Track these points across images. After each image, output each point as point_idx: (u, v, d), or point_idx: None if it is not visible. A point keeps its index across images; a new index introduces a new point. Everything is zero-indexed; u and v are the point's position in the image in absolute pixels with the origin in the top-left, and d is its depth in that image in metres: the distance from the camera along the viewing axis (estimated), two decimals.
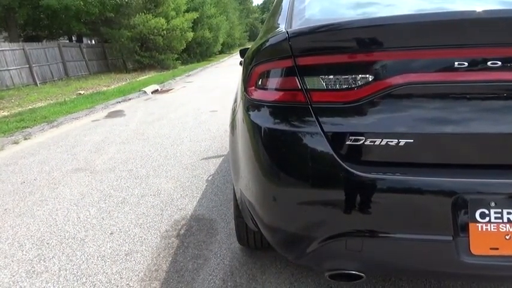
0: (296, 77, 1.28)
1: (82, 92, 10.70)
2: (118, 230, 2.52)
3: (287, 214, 1.32)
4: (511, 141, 1.18)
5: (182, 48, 20.11)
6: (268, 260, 2.02)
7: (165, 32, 17.71)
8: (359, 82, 1.22)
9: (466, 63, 1.15)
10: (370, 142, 1.21)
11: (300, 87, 1.28)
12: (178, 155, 4.25)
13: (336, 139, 1.23)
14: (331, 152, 1.22)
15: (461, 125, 1.18)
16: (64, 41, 17.76)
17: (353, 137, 1.22)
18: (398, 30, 1.20)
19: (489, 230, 1.17)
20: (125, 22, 17.29)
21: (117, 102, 8.87)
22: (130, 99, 9.40)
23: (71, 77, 14.65)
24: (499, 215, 1.17)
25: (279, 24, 1.69)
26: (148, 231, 2.49)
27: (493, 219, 1.17)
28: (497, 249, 1.17)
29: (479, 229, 1.17)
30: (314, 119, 1.25)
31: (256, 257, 2.07)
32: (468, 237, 1.17)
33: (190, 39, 20.61)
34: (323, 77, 1.26)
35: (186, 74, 15.40)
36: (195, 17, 20.89)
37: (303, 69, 1.27)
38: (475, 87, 1.17)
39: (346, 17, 1.53)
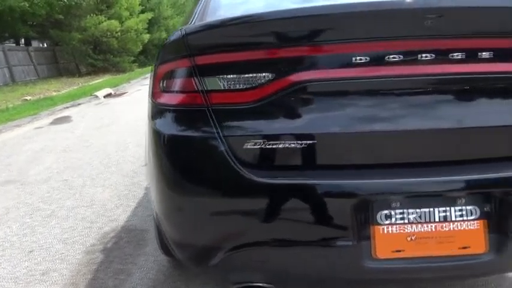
0: (194, 78, 1.19)
1: (28, 98, 10.13)
2: (39, 248, 2.33)
3: (189, 225, 1.23)
4: (412, 140, 1.14)
5: (138, 50, 19.58)
6: (193, 272, 1.92)
7: (119, 34, 17.16)
8: (259, 81, 1.15)
9: (366, 58, 1.10)
10: (270, 145, 1.13)
11: (198, 88, 1.18)
12: (120, 162, 4.05)
13: (235, 143, 1.14)
14: (228, 157, 1.13)
15: (364, 124, 1.13)
16: (10, 44, 16.78)
17: (253, 141, 1.14)
18: (295, 25, 1.14)
19: (393, 232, 1.13)
20: (76, 24, 16.60)
21: (65, 108, 8.45)
22: (80, 104, 9.00)
23: (17, 82, 13.86)
24: (402, 216, 1.13)
25: (188, 21, 1.61)
26: (72, 246, 2.31)
27: (396, 221, 1.13)
28: (401, 251, 1.13)
29: (383, 231, 1.12)
30: (212, 122, 1.16)
31: (182, 268, 1.95)
32: (372, 240, 1.12)
33: (146, 41, 20.11)
34: (222, 76, 1.17)
35: (143, 77, 14.97)
36: (150, 18, 20.36)
37: (201, 68, 1.18)
38: (377, 83, 1.13)
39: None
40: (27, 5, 14.04)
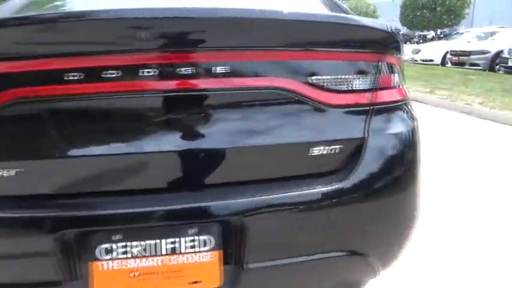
0: None
1: None
2: None
3: None
4: (136, 165, 1.03)
5: None
6: None
7: None
8: None
9: (80, 75, 0.98)
10: None
11: None
12: None
13: None
14: None
15: (78, 148, 1.01)
16: None
17: None
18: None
19: (114, 268, 1.00)
20: None
21: None
22: None
23: None
24: (125, 250, 1.00)
25: None
26: None
27: (118, 255, 1.00)
28: None
29: (102, 268, 1.00)
30: None
31: None
32: (89, 279, 1.00)
33: None
34: None
35: None
36: None
37: None
38: (93, 102, 1.00)
39: None
40: None
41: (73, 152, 1.01)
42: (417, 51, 14.04)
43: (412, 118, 1.26)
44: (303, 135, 1.08)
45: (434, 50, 13.47)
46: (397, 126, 1.19)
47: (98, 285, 1.00)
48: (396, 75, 1.23)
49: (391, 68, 1.21)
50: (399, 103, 1.23)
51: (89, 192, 1.02)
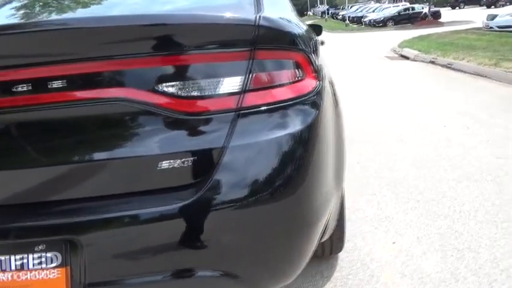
0: None
1: None
2: None
3: None
4: None
5: None
6: None
7: None
8: None
9: None
10: None
11: None
12: None
13: None
14: None
15: None
16: None
17: None
18: None
19: None
20: None
21: None
22: None
23: None
24: None
25: None
26: None
27: None
28: None
29: None
30: None
31: None
32: None
33: None
34: None
35: None
36: None
37: None
38: None
39: None
40: None
41: None
42: (492, 17, 12.45)
43: (307, 118, 1.09)
44: (150, 147, 1.00)
45: None
46: (274, 131, 1.04)
47: None
48: (286, 70, 1.08)
49: (274, 65, 1.07)
50: (289, 102, 1.07)
51: None
